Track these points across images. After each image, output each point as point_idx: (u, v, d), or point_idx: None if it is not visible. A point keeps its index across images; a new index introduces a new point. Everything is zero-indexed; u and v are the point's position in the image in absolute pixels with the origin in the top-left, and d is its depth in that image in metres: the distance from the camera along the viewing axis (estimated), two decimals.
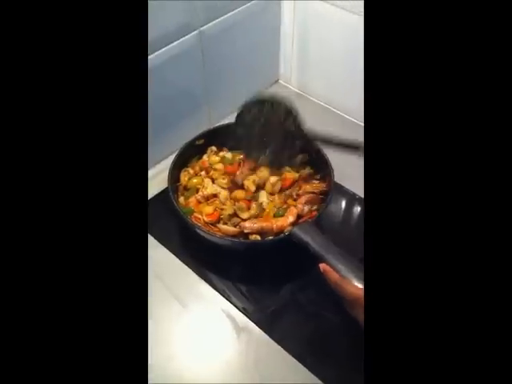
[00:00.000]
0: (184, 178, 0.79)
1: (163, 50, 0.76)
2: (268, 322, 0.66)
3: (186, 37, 0.79)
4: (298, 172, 0.80)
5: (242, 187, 0.77)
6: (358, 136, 0.87)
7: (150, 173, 0.86)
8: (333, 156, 0.76)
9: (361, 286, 0.56)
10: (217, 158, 0.82)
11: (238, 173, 0.78)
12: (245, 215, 0.72)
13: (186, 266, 0.73)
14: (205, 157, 0.83)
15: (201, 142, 0.83)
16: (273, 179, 0.77)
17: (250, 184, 0.76)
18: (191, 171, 0.80)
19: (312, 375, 0.60)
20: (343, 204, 0.83)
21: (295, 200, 0.76)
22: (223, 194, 0.75)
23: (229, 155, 0.82)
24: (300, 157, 0.80)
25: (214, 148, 0.84)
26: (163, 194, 0.79)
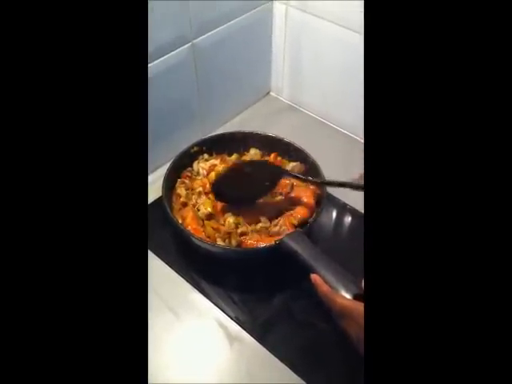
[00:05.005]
0: (180, 189, 0.80)
1: (156, 62, 0.77)
2: (261, 331, 0.67)
3: (179, 49, 0.80)
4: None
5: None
6: (350, 147, 0.90)
7: None
8: (324, 167, 0.77)
9: (349, 296, 0.56)
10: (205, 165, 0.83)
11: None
12: None
13: (178, 276, 0.73)
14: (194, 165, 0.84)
15: (196, 149, 0.85)
16: None
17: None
18: (186, 181, 0.81)
19: None
20: (334, 214, 0.84)
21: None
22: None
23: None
24: (295, 165, 0.81)
25: (206, 156, 0.85)
26: (156, 202, 0.79)
